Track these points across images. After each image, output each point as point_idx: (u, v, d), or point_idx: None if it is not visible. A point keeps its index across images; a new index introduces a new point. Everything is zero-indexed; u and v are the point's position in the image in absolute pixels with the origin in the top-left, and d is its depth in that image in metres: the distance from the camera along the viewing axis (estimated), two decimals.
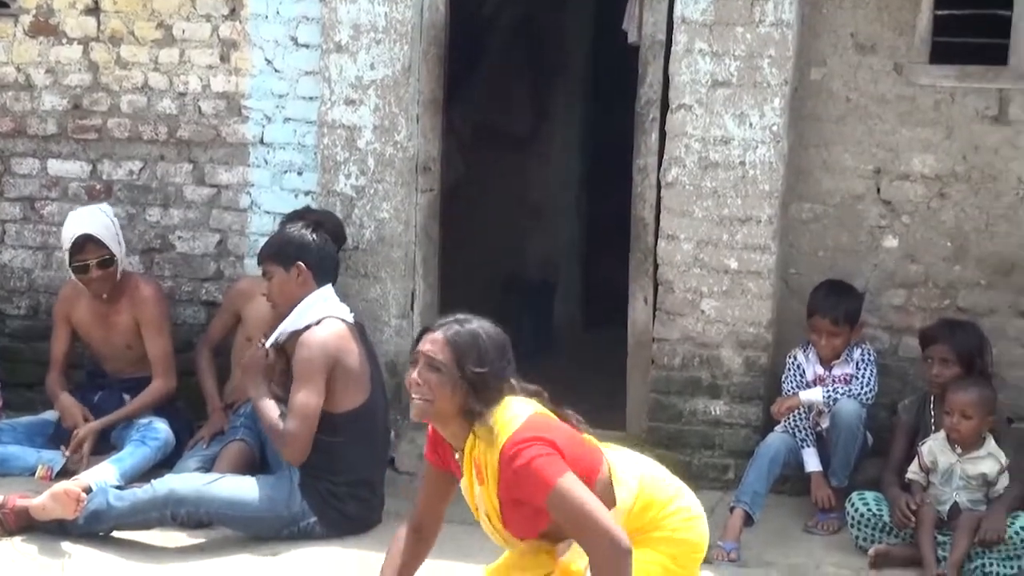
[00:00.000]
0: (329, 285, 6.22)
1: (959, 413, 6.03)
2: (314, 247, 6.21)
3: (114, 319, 6.98)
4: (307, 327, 6.01)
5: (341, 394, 5.97)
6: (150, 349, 6.92)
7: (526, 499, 4.31)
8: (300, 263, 6.11)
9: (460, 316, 4.52)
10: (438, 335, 4.43)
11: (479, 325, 4.50)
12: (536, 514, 4.34)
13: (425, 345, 4.43)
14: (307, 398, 5.86)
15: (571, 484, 4.25)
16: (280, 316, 6.22)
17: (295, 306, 6.11)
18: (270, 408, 5.95)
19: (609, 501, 4.39)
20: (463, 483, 4.53)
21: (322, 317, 6.04)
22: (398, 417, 7.07)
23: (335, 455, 5.95)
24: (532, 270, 10.29)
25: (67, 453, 6.62)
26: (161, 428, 6.69)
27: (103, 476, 6.19)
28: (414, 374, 4.40)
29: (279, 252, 6.19)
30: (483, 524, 4.54)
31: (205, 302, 7.57)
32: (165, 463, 6.61)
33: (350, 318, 6.16)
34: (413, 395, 4.40)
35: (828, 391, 6.42)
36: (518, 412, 4.39)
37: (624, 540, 4.22)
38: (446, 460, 4.58)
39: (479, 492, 4.45)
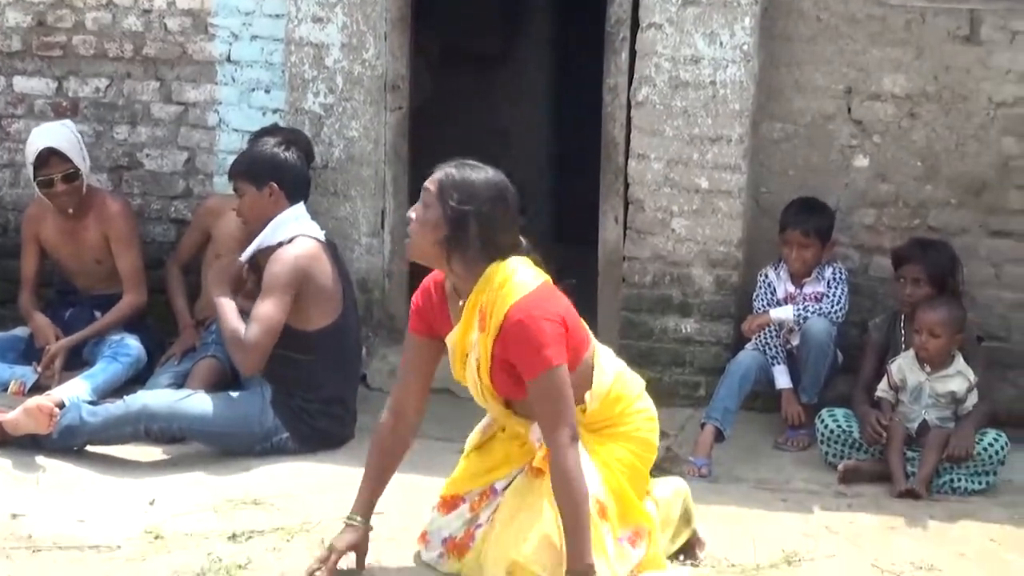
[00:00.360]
0: (301, 203, 6.16)
1: (927, 332, 6.05)
2: (287, 166, 6.13)
3: (82, 235, 6.93)
4: (280, 244, 5.96)
5: (313, 312, 5.94)
6: (120, 264, 6.89)
7: (516, 367, 4.39)
8: (273, 183, 6.05)
9: (469, 161, 4.56)
10: (436, 173, 4.52)
11: (481, 170, 4.56)
12: (518, 383, 4.43)
13: (426, 183, 4.51)
14: (271, 310, 5.80)
15: (562, 375, 4.35)
16: (251, 234, 6.17)
17: (266, 224, 6.05)
18: (231, 310, 5.89)
19: (587, 382, 4.55)
20: (455, 333, 4.54)
21: (295, 235, 5.99)
22: (370, 334, 7.08)
23: (307, 372, 5.94)
24: None
25: (39, 370, 6.60)
26: (133, 344, 6.66)
27: (75, 391, 6.17)
28: (409, 211, 4.54)
29: (251, 170, 6.12)
30: (469, 376, 4.57)
31: (174, 220, 7.51)
32: (137, 379, 6.61)
33: (322, 236, 6.12)
34: (408, 234, 4.52)
35: (799, 309, 6.43)
36: (527, 279, 4.44)
37: (577, 435, 4.37)
38: (432, 323, 4.61)
39: (476, 339, 4.47)
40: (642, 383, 4.83)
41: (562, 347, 4.39)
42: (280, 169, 6.09)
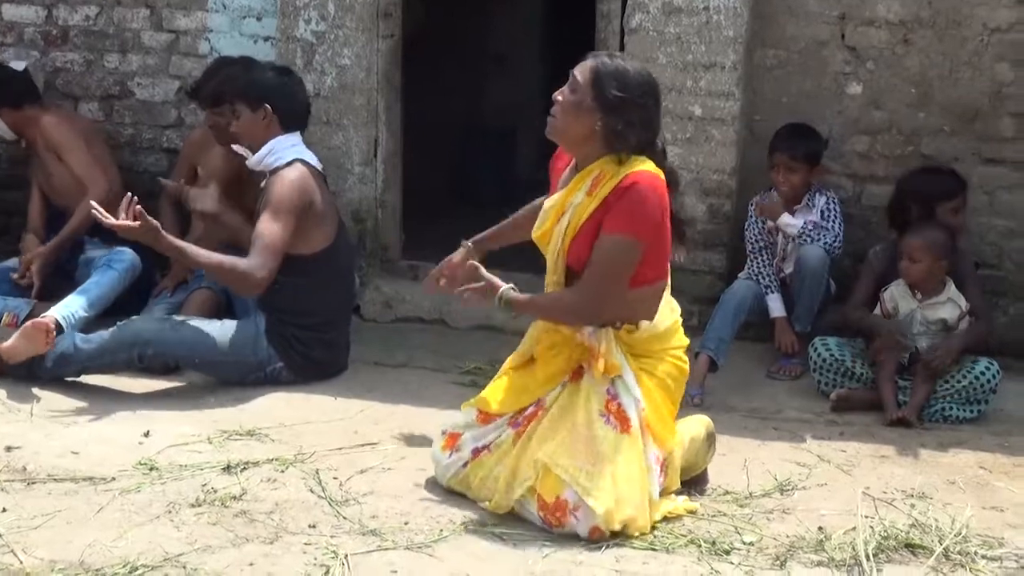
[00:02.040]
0: (297, 133, 6.06)
1: (908, 257, 6.03)
2: (284, 92, 6.02)
3: (40, 159, 7.00)
4: (276, 168, 5.89)
5: (311, 235, 5.89)
6: (72, 169, 6.86)
7: (608, 217, 4.54)
8: (267, 105, 5.97)
9: (616, 53, 4.76)
10: (588, 61, 4.63)
11: (632, 63, 4.70)
12: (589, 246, 4.59)
13: (576, 69, 4.62)
14: (278, 230, 5.73)
15: (633, 251, 4.57)
16: (240, 168, 6.13)
17: (259, 148, 5.97)
18: (205, 253, 5.71)
19: (649, 311, 4.70)
20: (557, 196, 4.72)
21: (293, 159, 5.93)
22: (363, 264, 7.04)
23: (301, 298, 5.90)
24: (493, 117, 10.17)
25: (17, 278, 6.67)
26: (126, 250, 6.52)
27: (71, 308, 6.11)
28: (556, 93, 4.63)
29: (247, 91, 6.01)
30: (554, 237, 4.70)
31: (166, 149, 7.46)
32: (135, 290, 6.55)
33: (318, 165, 6.05)
34: (550, 112, 4.64)
35: (806, 227, 6.38)
36: (651, 168, 4.59)
37: (597, 317, 4.62)
38: (558, 180, 4.82)
39: (579, 201, 4.61)
40: (686, 342, 4.91)
41: (647, 229, 4.57)
42: (275, 93, 5.99)
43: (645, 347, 4.70)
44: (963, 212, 6.32)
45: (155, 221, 5.53)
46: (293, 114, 6.03)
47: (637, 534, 4.43)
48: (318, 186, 5.93)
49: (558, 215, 4.68)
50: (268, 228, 5.73)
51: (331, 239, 5.98)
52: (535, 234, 4.80)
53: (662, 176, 4.62)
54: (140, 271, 6.60)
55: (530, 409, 4.70)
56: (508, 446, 4.66)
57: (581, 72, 4.60)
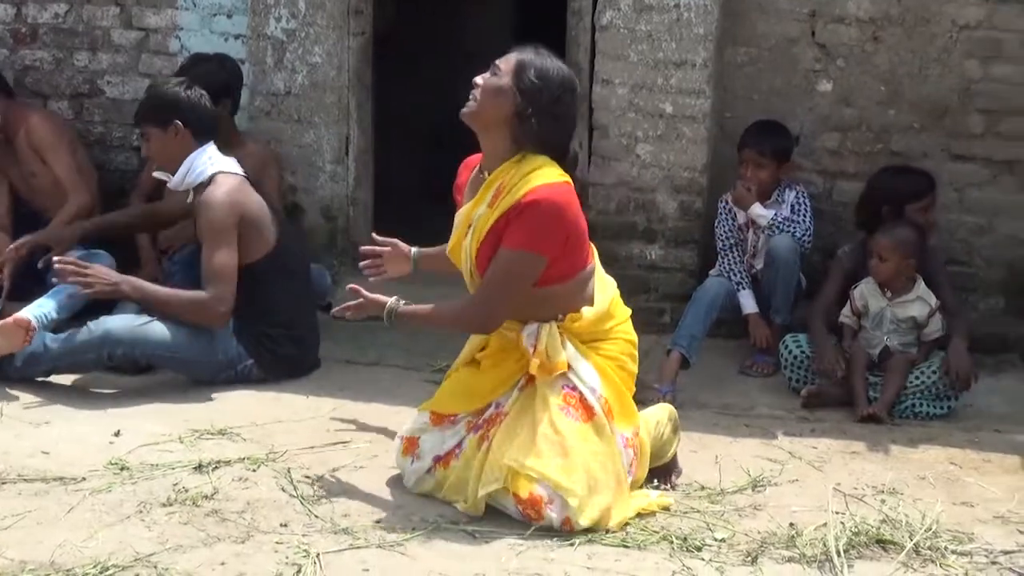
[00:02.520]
0: (211, 143, 5.99)
1: (876, 256, 6.05)
2: (190, 104, 5.95)
3: (18, 155, 6.92)
4: (200, 185, 5.87)
5: (254, 244, 5.87)
6: (55, 171, 6.82)
7: (507, 231, 4.51)
8: (177, 121, 5.91)
9: (542, 49, 4.66)
10: (513, 52, 4.62)
11: (554, 60, 4.66)
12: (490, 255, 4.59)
13: (502, 58, 4.62)
14: (224, 258, 5.76)
15: (530, 264, 4.53)
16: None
17: (178, 166, 5.93)
18: (155, 289, 5.85)
19: (584, 298, 4.69)
20: (465, 208, 4.68)
21: (213, 173, 5.89)
22: (335, 262, 7.03)
23: (262, 300, 5.90)
24: None
25: None
26: (102, 253, 6.45)
27: (44, 309, 6.07)
28: (477, 77, 4.59)
29: (153, 111, 5.96)
30: (463, 250, 4.67)
31: (136, 148, 7.42)
32: (106, 308, 6.50)
33: (239, 171, 6.00)
34: (468, 97, 4.58)
35: (777, 217, 6.39)
36: (555, 175, 4.54)
37: (488, 327, 4.68)
38: (465, 192, 4.77)
39: (482, 213, 4.58)
40: (628, 311, 4.92)
41: (552, 245, 4.51)
42: (183, 107, 5.93)
43: (593, 331, 4.71)
44: (933, 211, 6.34)
45: (113, 275, 5.78)
46: (203, 125, 5.97)
47: (613, 525, 4.44)
48: (245, 193, 5.89)
49: (465, 228, 4.66)
50: (215, 258, 5.75)
51: (272, 242, 5.94)
52: (448, 249, 4.80)
53: (569, 182, 4.59)
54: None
55: (489, 412, 4.68)
56: (472, 451, 4.63)
57: (505, 60, 4.62)
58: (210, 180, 5.86)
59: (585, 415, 4.56)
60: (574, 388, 4.59)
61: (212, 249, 5.77)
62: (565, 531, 4.39)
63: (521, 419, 4.58)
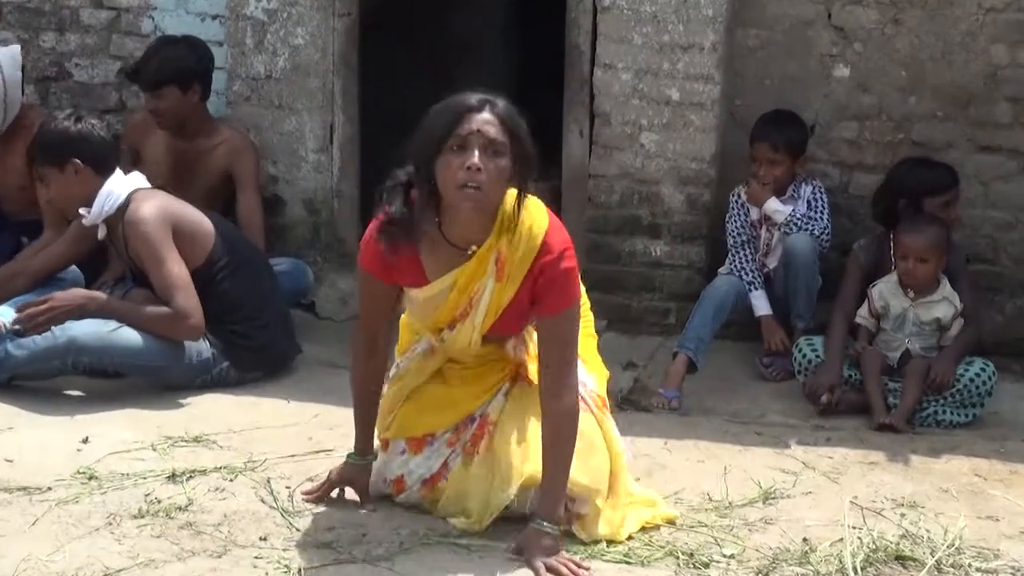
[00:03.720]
0: (117, 172, 5.95)
1: (915, 258, 6.03)
2: (82, 139, 5.91)
3: (7, 159, 6.80)
4: (118, 211, 5.86)
5: (193, 249, 5.90)
6: (41, 199, 6.73)
7: (545, 299, 4.38)
8: (73, 159, 5.88)
9: (482, 92, 4.31)
10: (490, 115, 4.23)
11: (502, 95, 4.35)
12: (524, 316, 4.50)
13: (483, 127, 4.20)
14: (173, 270, 5.78)
15: (578, 312, 4.50)
16: (184, 153, 6.15)
17: (89, 203, 5.91)
18: (126, 305, 5.89)
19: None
20: (455, 279, 4.41)
21: (128, 193, 5.88)
22: (319, 259, 7.03)
23: (220, 301, 5.94)
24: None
25: None
26: (69, 268, 6.51)
27: (5, 317, 6.06)
28: (474, 158, 4.16)
29: (47, 154, 5.93)
30: (467, 324, 4.48)
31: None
32: None
33: (148, 184, 6.01)
34: (468, 184, 4.18)
35: (793, 211, 6.40)
36: (543, 208, 4.43)
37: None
38: (395, 271, 4.44)
39: (489, 289, 4.40)
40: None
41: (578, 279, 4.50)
42: (75, 144, 5.89)
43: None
44: (955, 207, 6.34)
45: (76, 296, 5.84)
46: (102, 157, 5.94)
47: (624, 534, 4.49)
48: (168, 201, 5.92)
49: (461, 302, 4.46)
50: (164, 273, 5.78)
51: (211, 242, 5.96)
52: (433, 320, 4.54)
53: (542, 205, 4.45)
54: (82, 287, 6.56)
55: (472, 428, 4.64)
56: (460, 470, 4.60)
57: (494, 127, 4.23)
58: (127, 201, 5.86)
59: (590, 408, 4.60)
60: None
61: (157, 265, 5.79)
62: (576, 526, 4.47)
63: (520, 422, 4.56)
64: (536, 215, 4.38)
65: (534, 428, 4.49)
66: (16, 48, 6.78)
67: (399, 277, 4.48)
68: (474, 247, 4.38)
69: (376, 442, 4.76)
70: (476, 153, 4.18)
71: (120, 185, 5.90)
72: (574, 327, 4.44)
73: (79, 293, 5.91)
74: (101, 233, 5.96)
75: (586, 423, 4.52)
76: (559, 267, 4.36)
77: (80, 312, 5.80)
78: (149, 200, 5.87)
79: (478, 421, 4.64)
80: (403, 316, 4.80)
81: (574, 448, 4.36)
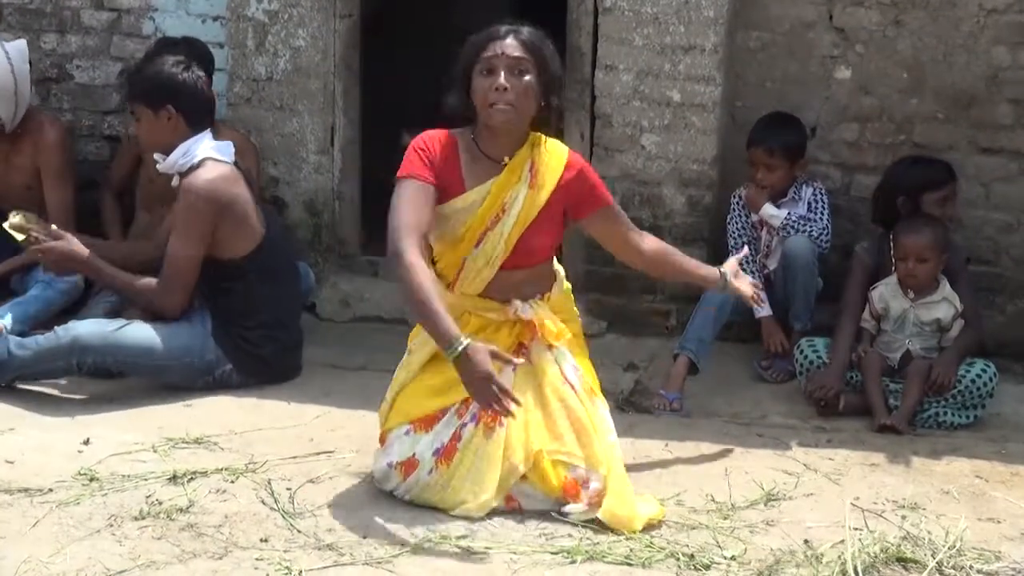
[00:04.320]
0: (207, 132, 5.98)
1: (915, 258, 6.03)
2: (186, 89, 5.93)
3: (15, 160, 6.82)
4: (189, 169, 5.86)
5: (236, 239, 5.89)
6: (49, 198, 6.76)
7: (589, 198, 4.92)
8: (170, 106, 5.89)
9: (513, 22, 4.79)
10: (513, 40, 4.72)
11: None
12: (552, 231, 4.91)
13: (507, 50, 4.70)
14: (182, 247, 5.79)
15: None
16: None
17: (168, 151, 5.93)
18: (121, 278, 5.90)
19: (553, 275, 5.08)
20: (488, 189, 4.79)
21: (203, 158, 5.88)
22: (320, 261, 7.03)
23: (243, 298, 5.92)
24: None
25: None
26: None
27: (4, 320, 6.11)
28: (500, 79, 4.66)
29: (146, 92, 5.93)
30: (494, 233, 4.79)
31: (108, 136, 7.43)
32: (72, 310, 6.51)
33: (232, 160, 6.00)
34: (498, 103, 4.68)
35: (789, 214, 6.39)
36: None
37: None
38: (440, 175, 4.76)
39: (522, 196, 4.79)
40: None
41: None
42: (178, 91, 5.91)
43: (562, 308, 5.01)
44: (953, 204, 6.34)
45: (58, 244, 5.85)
46: (198, 112, 5.97)
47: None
48: (231, 183, 5.89)
49: (494, 212, 4.79)
50: (174, 249, 5.81)
51: (257, 238, 5.95)
52: (459, 232, 4.79)
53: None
54: (80, 293, 6.57)
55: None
56: (480, 440, 4.68)
57: (517, 50, 4.72)
58: (199, 164, 5.86)
59: (574, 389, 4.81)
60: (559, 365, 4.85)
61: (178, 237, 5.80)
62: (594, 503, 4.61)
63: (528, 399, 4.72)
64: (554, 139, 4.92)
65: (540, 404, 4.74)
66: (22, 43, 6.81)
67: (441, 182, 4.75)
68: (507, 158, 4.81)
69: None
70: (502, 74, 4.67)
71: (202, 146, 5.89)
72: (622, 213, 5.10)
73: (66, 249, 5.85)
74: (175, 182, 5.93)
75: (574, 402, 4.77)
76: (589, 174, 4.95)
77: (61, 264, 5.86)
78: (215, 172, 5.84)
79: None
80: None
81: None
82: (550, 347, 4.85)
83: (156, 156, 5.97)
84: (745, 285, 5.33)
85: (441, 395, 4.78)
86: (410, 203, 4.68)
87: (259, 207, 6.04)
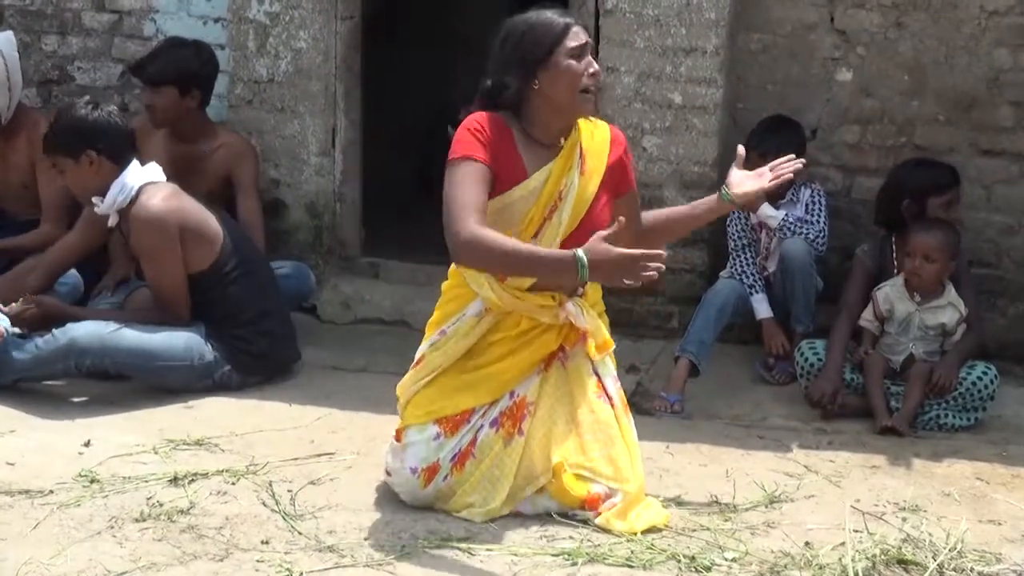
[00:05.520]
0: (133, 161, 5.96)
1: (922, 256, 6.03)
2: (99, 128, 5.90)
3: (10, 158, 6.83)
4: (129, 204, 5.87)
5: (200, 250, 5.92)
6: (43, 193, 6.75)
7: (623, 181, 4.86)
8: (89, 151, 5.88)
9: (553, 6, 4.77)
10: (575, 25, 4.69)
11: None
12: (602, 214, 4.74)
13: (588, 40, 4.70)
14: (171, 273, 5.86)
15: None
16: (184, 157, 6.21)
17: (102, 194, 5.93)
18: (134, 314, 6.02)
19: None
20: (546, 175, 4.68)
21: (140, 186, 5.88)
22: (320, 262, 7.03)
23: (224, 304, 5.97)
24: (461, 106, 10.16)
25: None
26: (69, 272, 6.54)
27: (4, 324, 6.08)
28: (595, 65, 4.68)
29: (63, 143, 5.92)
30: (553, 220, 4.68)
31: None
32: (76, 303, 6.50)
33: (163, 178, 6.01)
34: (591, 88, 4.65)
35: (787, 218, 6.38)
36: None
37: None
38: (497, 160, 4.61)
39: (575, 183, 4.70)
40: None
41: None
42: (91, 134, 5.89)
43: (596, 300, 4.95)
44: (957, 207, 6.34)
45: (47, 301, 5.97)
46: (119, 147, 5.94)
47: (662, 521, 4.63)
48: (179, 199, 5.91)
49: (551, 199, 4.67)
50: (155, 280, 5.92)
51: (219, 244, 5.97)
52: (518, 219, 4.64)
53: None
54: (81, 294, 6.57)
55: (503, 403, 4.72)
56: (499, 448, 4.68)
57: (587, 37, 4.73)
58: (137, 194, 5.86)
59: (609, 403, 4.75)
60: (600, 376, 4.78)
61: (154, 268, 5.87)
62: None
63: (556, 408, 4.71)
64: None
65: (569, 416, 4.68)
66: (9, 33, 6.87)
67: (499, 168, 4.62)
68: (563, 140, 4.73)
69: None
70: (593, 61, 4.67)
71: (134, 176, 5.89)
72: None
73: (70, 312, 6.02)
74: (112, 221, 5.95)
75: (606, 415, 4.70)
76: (629, 155, 4.92)
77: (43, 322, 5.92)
78: (158, 195, 5.85)
79: (515, 400, 4.73)
80: (446, 284, 4.87)
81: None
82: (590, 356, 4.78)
83: (95, 200, 5.94)
84: (749, 184, 5.00)
85: (473, 389, 4.73)
86: (467, 185, 4.52)
87: (209, 208, 6.05)
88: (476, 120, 4.65)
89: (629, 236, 4.61)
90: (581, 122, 4.78)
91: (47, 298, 6.03)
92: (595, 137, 4.81)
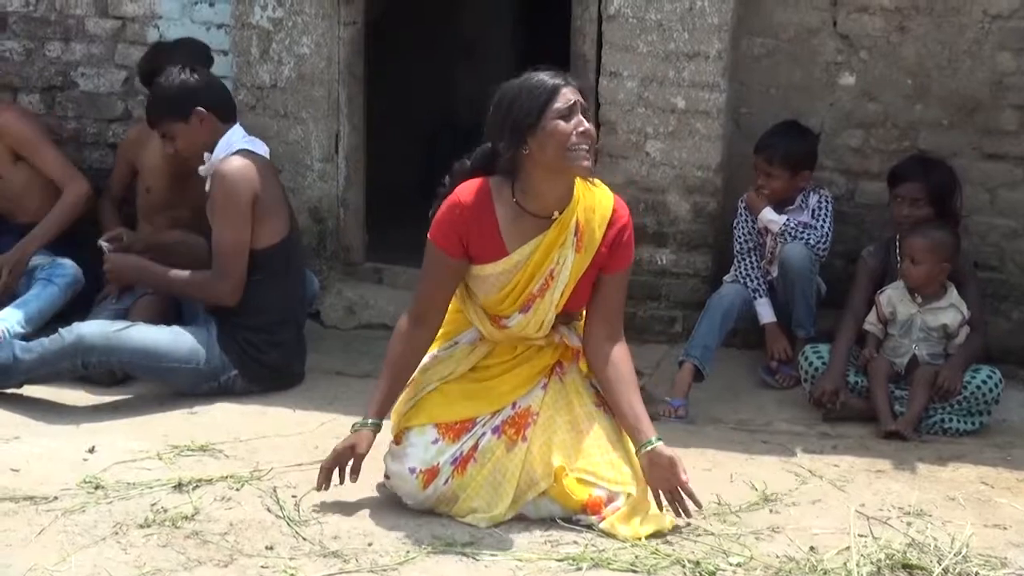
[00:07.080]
0: (237, 125, 6.06)
1: (909, 257, 6.04)
2: (203, 87, 6.01)
3: None
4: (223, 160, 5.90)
5: (261, 228, 5.91)
6: (41, 168, 6.73)
7: (615, 258, 4.76)
8: (198, 108, 5.94)
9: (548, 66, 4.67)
10: (573, 88, 4.59)
11: None
12: (589, 288, 4.77)
13: (579, 98, 4.58)
14: (236, 235, 5.84)
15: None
16: (181, 164, 6.17)
17: (211, 150, 5.96)
18: (176, 275, 5.97)
19: None
20: (531, 249, 4.65)
21: (235, 150, 5.92)
22: (324, 267, 7.03)
23: (251, 295, 5.92)
24: (464, 110, 10.17)
25: None
26: (67, 263, 6.52)
27: (8, 322, 6.12)
28: (586, 124, 4.55)
29: (169, 107, 5.97)
30: (547, 297, 4.70)
31: (112, 145, 7.42)
32: (79, 304, 6.52)
33: (265, 153, 6.05)
34: (580, 146, 4.52)
35: (789, 222, 6.37)
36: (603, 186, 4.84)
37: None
38: (469, 244, 4.65)
39: (568, 260, 4.67)
40: None
41: None
42: (198, 92, 5.97)
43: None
44: (919, 205, 6.23)
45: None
46: (224, 104, 6.06)
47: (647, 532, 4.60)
48: (263, 177, 5.92)
49: (539, 273, 4.67)
50: (219, 236, 5.85)
51: (282, 233, 5.99)
52: (505, 293, 4.70)
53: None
54: (82, 286, 6.56)
55: (506, 412, 4.75)
56: (501, 453, 4.69)
57: (581, 97, 4.61)
58: (229, 157, 5.90)
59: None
60: (595, 387, 4.84)
61: (222, 225, 5.85)
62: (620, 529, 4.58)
63: (556, 418, 4.75)
64: (598, 184, 4.76)
65: (569, 424, 4.72)
66: None
67: (475, 249, 4.65)
68: (556, 213, 4.62)
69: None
70: (584, 120, 4.55)
71: (239, 138, 5.97)
72: (626, 281, 4.91)
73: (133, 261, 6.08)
74: (208, 184, 5.96)
75: (606, 421, 4.76)
76: (628, 230, 4.78)
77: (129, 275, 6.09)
78: (242, 163, 5.87)
79: (517, 410, 4.76)
80: (451, 306, 4.88)
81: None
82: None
83: (205, 156, 5.98)
84: (660, 476, 4.65)
85: (475, 400, 4.77)
86: (428, 278, 4.76)
87: (290, 208, 6.09)
88: (460, 196, 4.67)
89: (596, 335, 4.79)
90: (582, 192, 4.69)
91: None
92: (596, 212, 4.71)
